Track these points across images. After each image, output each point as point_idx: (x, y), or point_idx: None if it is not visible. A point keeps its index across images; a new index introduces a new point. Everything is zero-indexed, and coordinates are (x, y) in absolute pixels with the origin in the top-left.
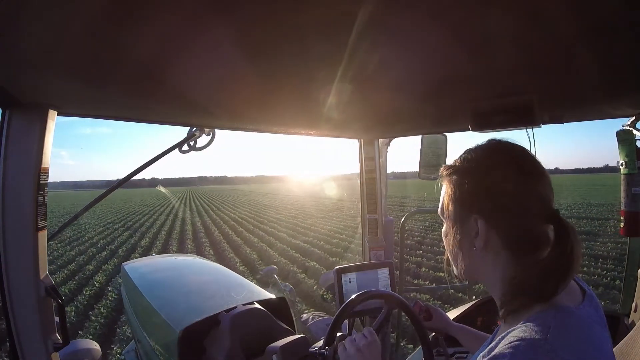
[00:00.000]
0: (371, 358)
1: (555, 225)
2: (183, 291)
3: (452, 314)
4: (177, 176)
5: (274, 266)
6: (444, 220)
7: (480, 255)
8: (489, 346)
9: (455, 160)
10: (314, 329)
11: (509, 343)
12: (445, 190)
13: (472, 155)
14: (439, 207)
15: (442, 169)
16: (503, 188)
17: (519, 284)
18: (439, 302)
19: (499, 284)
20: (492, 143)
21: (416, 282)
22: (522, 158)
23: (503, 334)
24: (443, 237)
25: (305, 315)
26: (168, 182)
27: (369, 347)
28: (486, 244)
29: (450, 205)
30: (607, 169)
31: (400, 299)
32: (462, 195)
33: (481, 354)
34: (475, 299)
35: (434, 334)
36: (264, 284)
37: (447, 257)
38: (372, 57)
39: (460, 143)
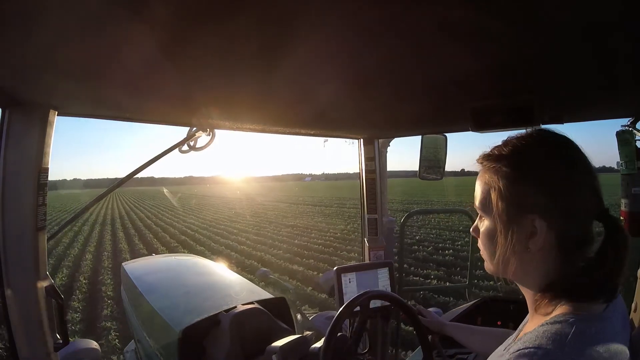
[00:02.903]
0: None
1: (606, 222)
2: (183, 291)
3: (452, 314)
4: (100, 177)
5: (267, 269)
6: (484, 217)
7: (530, 256)
8: (514, 339)
9: (497, 148)
10: (316, 323)
11: (524, 350)
12: (490, 184)
13: (523, 145)
14: (478, 201)
15: (480, 157)
16: (564, 184)
17: (563, 284)
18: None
19: (540, 284)
20: (544, 131)
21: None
22: (578, 151)
23: (525, 336)
24: (482, 236)
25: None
26: (92, 184)
27: None
28: (543, 245)
29: (499, 202)
30: (603, 169)
31: (400, 299)
32: (517, 191)
33: (507, 345)
34: (475, 299)
35: (430, 336)
36: (266, 284)
37: (488, 255)
38: (372, 57)
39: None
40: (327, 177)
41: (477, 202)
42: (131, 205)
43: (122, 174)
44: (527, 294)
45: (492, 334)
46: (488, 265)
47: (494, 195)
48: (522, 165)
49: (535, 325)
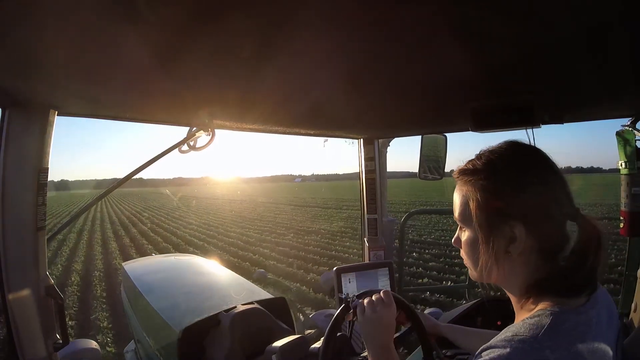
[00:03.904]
0: (385, 319)
1: (580, 222)
2: (183, 291)
3: (452, 314)
4: (88, 178)
5: (263, 270)
6: (465, 227)
7: (511, 261)
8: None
9: (472, 162)
10: (317, 321)
11: (504, 337)
12: (469, 196)
13: (497, 157)
14: (458, 213)
15: (456, 172)
16: (540, 190)
17: (544, 284)
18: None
19: (523, 286)
20: (513, 143)
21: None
22: (548, 159)
23: (505, 329)
24: (464, 246)
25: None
26: (79, 185)
27: (385, 309)
28: (523, 249)
29: (478, 212)
30: (593, 170)
31: (400, 299)
32: (495, 201)
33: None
34: (475, 299)
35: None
36: (266, 284)
37: (472, 264)
38: (372, 57)
39: (460, 143)
40: (317, 178)
41: (456, 213)
42: (130, 209)
43: (109, 175)
44: (512, 297)
45: (486, 335)
46: (472, 273)
47: (472, 206)
48: (497, 176)
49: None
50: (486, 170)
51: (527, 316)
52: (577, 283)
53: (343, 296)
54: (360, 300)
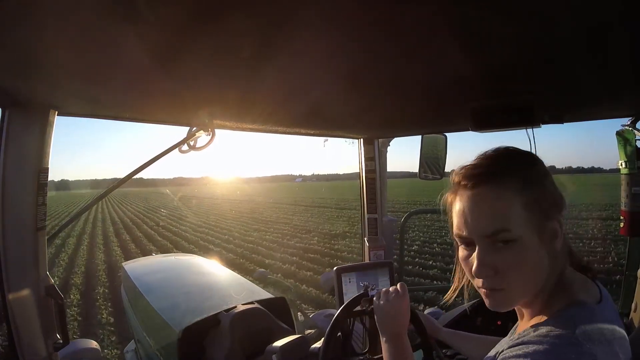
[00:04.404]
0: (401, 309)
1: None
2: (183, 291)
3: (452, 314)
4: (89, 177)
5: (264, 270)
6: (508, 240)
7: (552, 260)
8: (510, 339)
9: (483, 166)
10: (317, 321)
11: (536, 334)
12: (509, 199)
13: (509, 161)
14: (494, 225)
15: (470, 175)
16: (555, 187)
17: (555, 278)
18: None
19: (547, 283)
20: (510, 149)
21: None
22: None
23: (527, 329)
24: (516, 265)
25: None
26: (80, 184)
27: (399, 299)
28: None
29: (526, 215)
30: (594, 170)
31: None
32: (539, 201)
33: (502, 350)
34: (475, 299)
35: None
36: (266, 284)
37: (525, 284)
38: (372, 57)
39: (460, 143)
40: (318, 178)
41: (489, 228)
42: (132, 210)
43: (109, 174)
44: (526, 297)
45: (484, 340)
46: (522, 294)
47: (516, 211)
48: (528, 175)
49: (530, 322)
50: (517, 169)
51: (553, 312)
52: (583, 277)
53: (362, 284)
54: (377, 290)
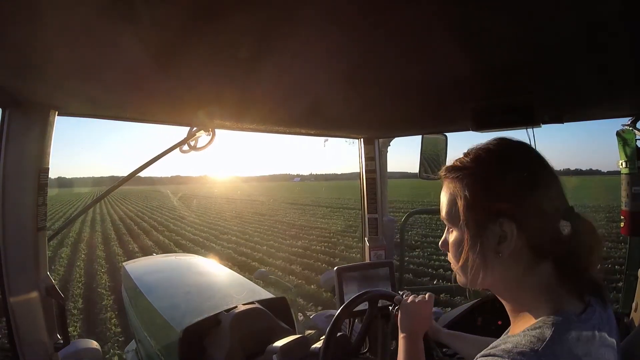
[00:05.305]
0: (425, 312)
1: (573, 221)
2: (183, 291)
3: (452, 314)
4: (85, 175)
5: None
6: (452, 228)
7: (501, 262)
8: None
9: (459, 160)
10: (318, 322)
11: (503, 347)
12: (456, 193)
13: (485, 152)
14: (445, 212)
15: (444, 170)
16: (531, 185)
17: (537, 286)
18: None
19: (514, 289)
20: (503, 140)
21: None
22: (538, 155)
23: (501, 339)
24: (451, 248)
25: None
26: (77, 183)
27: (424, 304)
28: (514, 249)
29: (465, 210)
30: (592, 172)
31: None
32: (483, 197)
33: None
34: (475, 299)
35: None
36: (267, 284)
37: (459, 267)
38: (372, 57)
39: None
40: (316, 178)
41: (443, 213)
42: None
43: (107, 172)
44: (506, 304)
45: (483, 341)
46: (460, 279)
47: (460, 204)
48: (485, 172)
49: (517, 330)
50: (474, 166)
51: (527, 326)
52: (574, 286)
53: (400, 293)
54: (406, 294)
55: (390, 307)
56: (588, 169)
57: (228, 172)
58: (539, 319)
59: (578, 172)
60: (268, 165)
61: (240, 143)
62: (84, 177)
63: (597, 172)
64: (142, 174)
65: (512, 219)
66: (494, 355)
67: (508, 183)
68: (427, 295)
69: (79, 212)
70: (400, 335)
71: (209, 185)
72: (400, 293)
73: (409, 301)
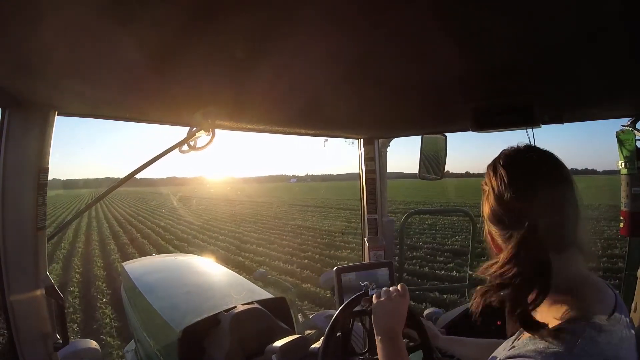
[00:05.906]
0: (399, 309)
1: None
2: (183, 291)
3: (452, 314)
4: (81, 177)
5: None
6: (489, 223)
7: (528, 259)
8: (510, 347)
9: (493, 163)
10: (317, 322)
11: (534, 348)
12: (493, 192)
13: (517, 158)
14: (484, 210)
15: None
16: (554, 190)
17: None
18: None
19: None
20: (529, 147)
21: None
22: (561, 161)
23: (527, 340)
24: (489, 240)
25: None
26: (69, 184)
27: (399, 298)
28: (536, 249)
29: (499, 209)
30: (586, 171)
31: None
32: (515, 199)
33: (498, 358)
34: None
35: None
36: (266, 284)
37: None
38: (372, 57)
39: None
40: (312, 179)
41: (484, 211)
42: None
43: (102, 174)
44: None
45: (482, 344)
46: (493, 268)
47: (493, 204)
48: (518, 176)
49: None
50: (508, 170)
51: (557, 324)
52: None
53: (363, 284)
54: (377, 289)
55: (364, 308)
56: (583, 168)
57: (224, 172)
58: (565, 319)
59: (574, 172)
60: (264, 166)
61: (236, 144)
62: (77, 179)
63: (593, 172)
64: (138, 175)
65: (537, 220)
66: (523, 356)
67: (536, 188)
68: (399, 287)
69: (79, 212)
70: (377, 339)
71: (208, 187)
72: (370, 293)
73: (382, 296)
